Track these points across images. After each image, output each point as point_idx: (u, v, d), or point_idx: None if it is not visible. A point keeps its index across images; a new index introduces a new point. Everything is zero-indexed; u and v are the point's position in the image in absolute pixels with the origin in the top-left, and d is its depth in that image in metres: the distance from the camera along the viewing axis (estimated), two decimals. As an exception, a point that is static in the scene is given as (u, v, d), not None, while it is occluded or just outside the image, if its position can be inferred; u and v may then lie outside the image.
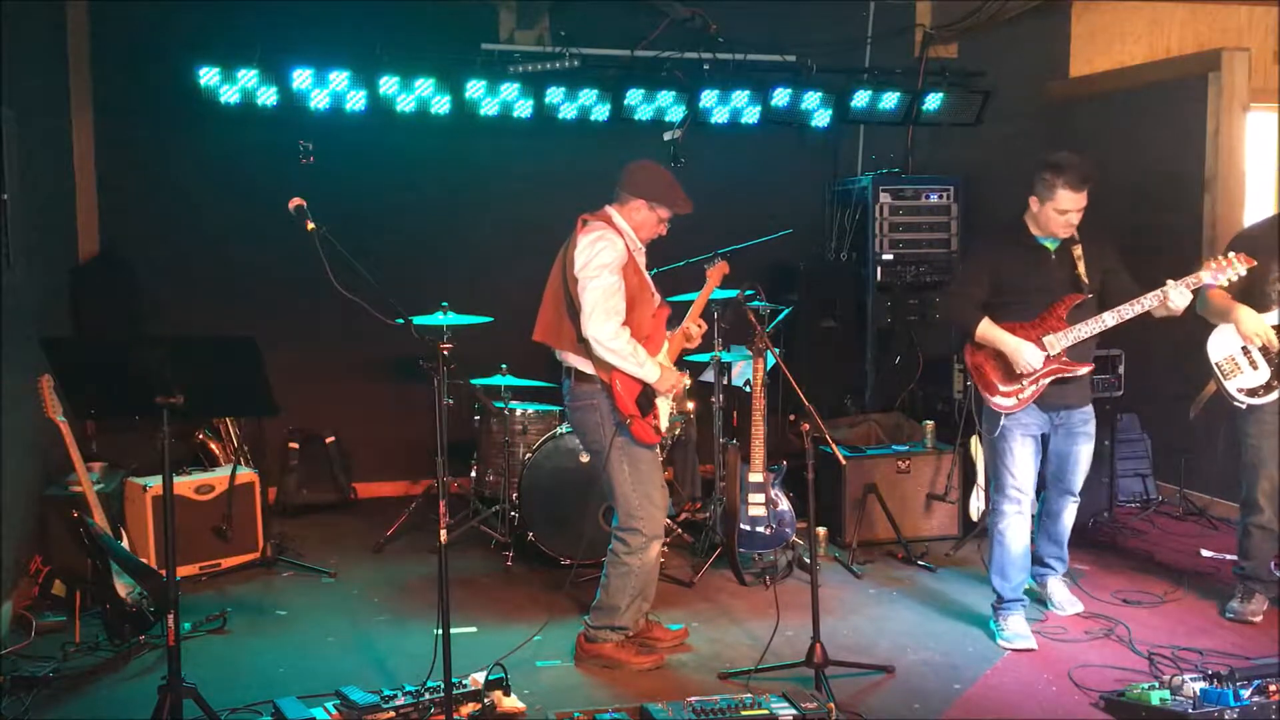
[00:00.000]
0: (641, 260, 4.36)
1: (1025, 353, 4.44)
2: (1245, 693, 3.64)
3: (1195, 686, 3.70)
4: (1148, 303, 4.36)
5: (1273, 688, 3.66)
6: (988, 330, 4.52)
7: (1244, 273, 4.39)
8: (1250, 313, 4.58)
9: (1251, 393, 4.63)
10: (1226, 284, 4.41)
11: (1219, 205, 6.45)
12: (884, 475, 5.91)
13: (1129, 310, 4.39)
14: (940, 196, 7.14)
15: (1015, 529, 4.61)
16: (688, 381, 4.50)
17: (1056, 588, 4.92)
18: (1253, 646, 4.48)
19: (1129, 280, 4.54)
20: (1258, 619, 4.75)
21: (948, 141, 7.40)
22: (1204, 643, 4.51)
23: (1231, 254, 4.38)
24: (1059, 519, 4.86)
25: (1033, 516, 4.77)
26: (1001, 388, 4.55)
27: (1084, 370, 4.53)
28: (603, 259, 4.13)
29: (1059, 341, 4.45)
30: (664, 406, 4.37)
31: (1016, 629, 4.58)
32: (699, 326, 4.51)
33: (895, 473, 5.93)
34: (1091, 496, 6.25)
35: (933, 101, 7.24)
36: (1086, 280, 4.47)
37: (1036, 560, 4.95)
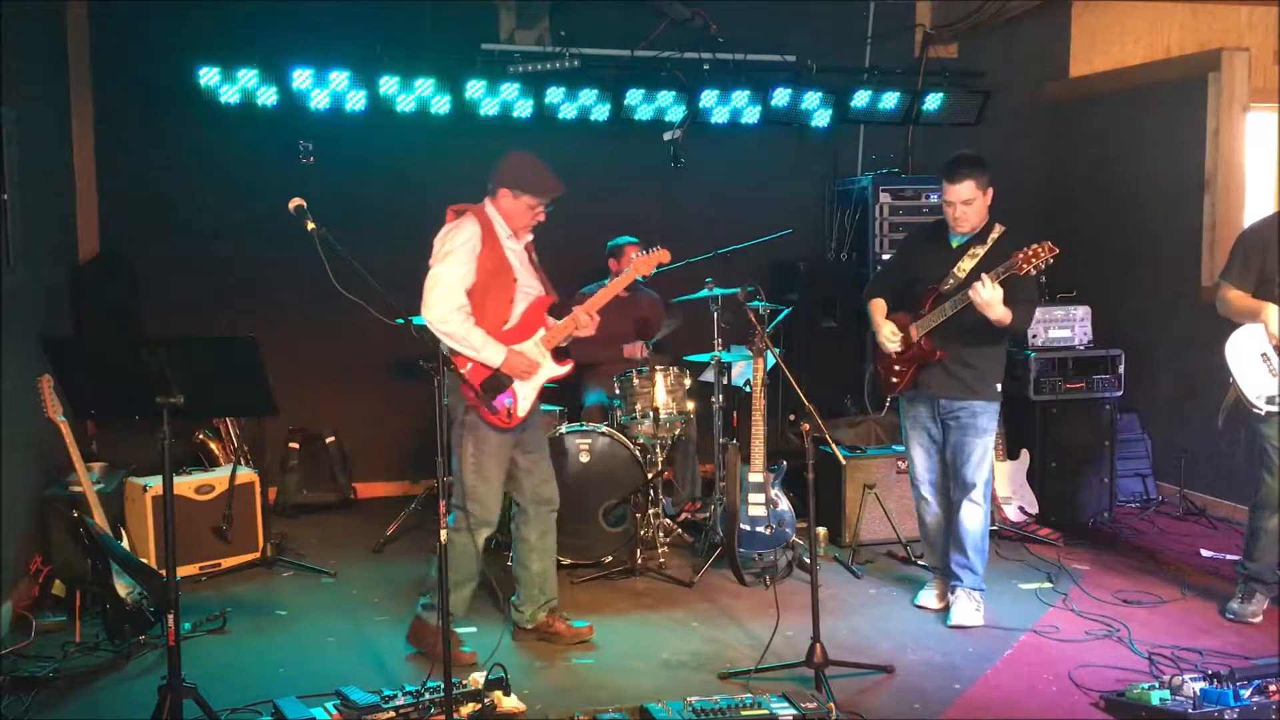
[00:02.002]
0: (515, 248, 4.40)
1: (882, 333, 4.80)
2: (1245, 693, 3.64)
3: (1195, 686, 3.70)
4: (971, 295, 4.44)
5: (1273, 688, 3.66)
6: (871, 312, 4.92)
7: (1050, 261, 4.37)
8: (1278, 311, 4.55)
9: (1270, 400, 4.61)
10: (1035, 272, 4.39)
11: (1219, 205, 6.45)
12: (884, 475, 5.91)
13: (961, 299, 4.54)
14: (940, 196, 7.12)
15: (920, 508, 5.02)
16: (565, 370, 4.52)
17: (956, 598, 4.81)
18: (1253, 646, 4.48)
19: (1029, 288, 4.59)
20: (1257, 619, 4.75)
21: (948, 141, 7.39)
22: (1204, 643, 4.50)
23: (1042, 244, 4.37)
24: (955, 517, 4.80)
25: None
26: (883, 371, 4.91)
27: (937, 356, 4.69)
28: (447, 247, 4.25)
29: (919, 328, 4.70)
30: (523, 391, 4.35)
31: (928, 593, 5.02)
32: (590, 316, 4.49)
33: (895, 473, 5.92)
34: (1091, 496, 6.28)
35: (933, 101, 7.25)
36: (963, 276, 4.63)
37: (951, 571, 4.88)
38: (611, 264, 6.44)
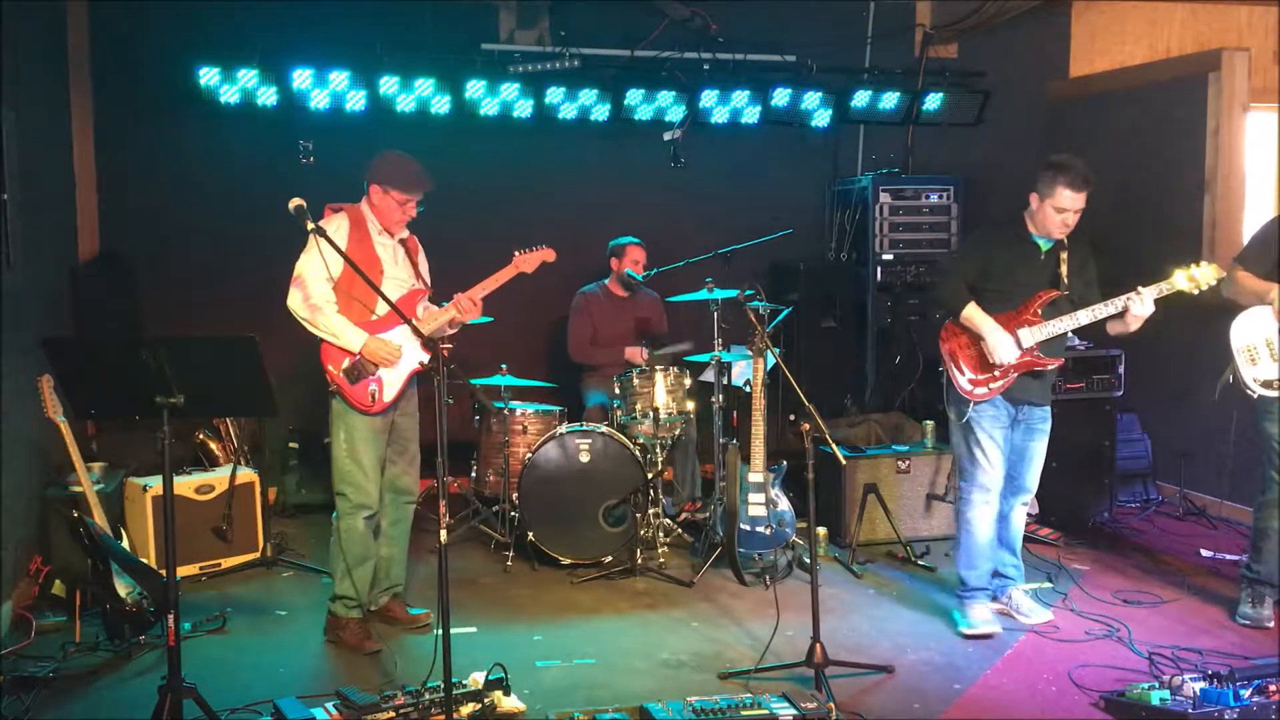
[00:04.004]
0: (386, 243, 4.57)
1: (1001, 345, 4.55)
2: (1245, 693, 3.64)
3: (1195, 686, 3.70)
4: (1120, 303, 4.45)
5: (1273, 688, 3.66)
6: (973, 313, 4.61)
7: (1214, 282, 4.42)
8: None
9: (1266, 384, 4.62)
10: (1197, 292, 4.44)
11: (1219, 205, 6.45)
12: (884, 475, 5.91)
13: (1103, 309, 4.49)
14: (940, 196, 7.14)
15: (983, 517, 4.70)
16: (419, 360, 4.56)
17: (1020, 598, 4.82)
18: (1253, 646, 4.48)
19: (1098, 297, 4.61)
20: (1271, 624, 4.70)
21: (948, 141, 7.41)
22: (1204, 643, 4.51)
23: (1210, 265, 4.43)
24: (1009, 521, 4.81)
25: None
26: (973, 375, 4.65)
27: (1054, 365, 4.63)
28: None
29: (1033, 335, 4.57)
30: (389, 378, 4.46)
31: (980, 616, 4.68)
32: (472, 302, 4.60)
33: (895, 473, 5.93)
34: (1091, 496, 6.27)
35: (933, 101, 7.25)
36: (1066, 280, 4.58)
37: (994, 572, 4.87)
38: (614, 263, 6.45)
